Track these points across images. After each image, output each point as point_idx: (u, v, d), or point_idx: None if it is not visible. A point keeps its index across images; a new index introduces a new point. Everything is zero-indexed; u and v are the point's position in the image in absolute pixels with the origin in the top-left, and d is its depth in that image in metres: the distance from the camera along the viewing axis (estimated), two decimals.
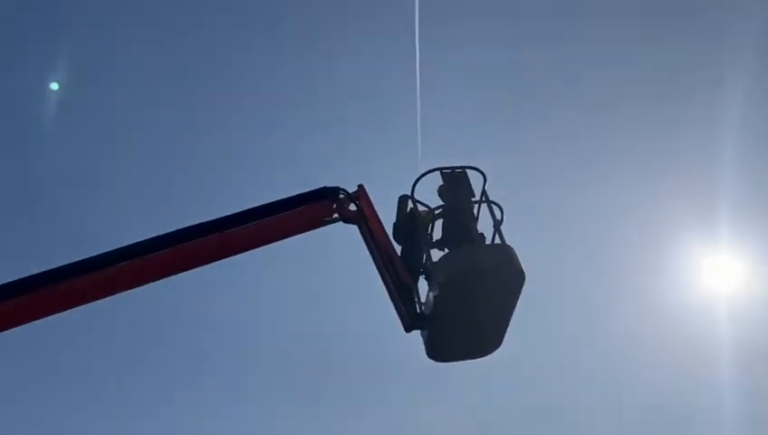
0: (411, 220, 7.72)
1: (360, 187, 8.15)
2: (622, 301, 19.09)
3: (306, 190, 8.02)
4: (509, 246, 7.34)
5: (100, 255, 7.26)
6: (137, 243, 7.40)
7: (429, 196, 8.05)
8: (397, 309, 7.63)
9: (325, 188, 8.04)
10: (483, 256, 7.18)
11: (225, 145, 19.26)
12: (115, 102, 18.16)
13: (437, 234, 7.83)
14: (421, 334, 7.70)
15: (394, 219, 8.04)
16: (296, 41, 18.67)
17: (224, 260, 7.86)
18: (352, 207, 8.07)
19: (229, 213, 7.74)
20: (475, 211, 7.69)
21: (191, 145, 19.15)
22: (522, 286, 7.25)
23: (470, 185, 7.67)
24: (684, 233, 18.86)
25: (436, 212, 7.81)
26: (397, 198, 7.98)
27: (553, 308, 18.64)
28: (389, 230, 8.03)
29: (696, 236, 18.88)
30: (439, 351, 7.73)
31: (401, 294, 7.56)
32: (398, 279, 7.61)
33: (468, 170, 7.84)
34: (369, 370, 18.77)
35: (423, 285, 7.65)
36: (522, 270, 7.15)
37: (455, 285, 7.07)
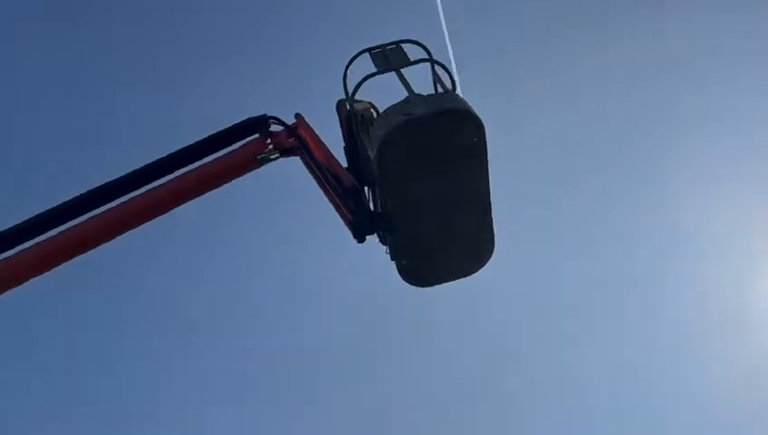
0: (349, 120, 6.26)
1: (298, 116, 6.84)
2: None
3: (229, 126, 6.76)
4: (456, 94, 5.76)
5: None
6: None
7: None
8: (345, 221, 6.05)
9: (249, 119, 6.75)
10: (420, 106, 5.56)
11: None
12: None
13: None
14: (387, 252, 6.05)
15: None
16: None
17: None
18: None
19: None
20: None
21: None
22: (483, 142, 5.56)
23: (408, 58, 6.18)
24: None
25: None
26: None
27: None
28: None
29: None
30: (413, 266, 5.99)
31: (346, 203, 6.01)
32: (341, 187, 6.09)
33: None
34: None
35: None
36: (474, 114, 5.50)
37: (395, 152, 5.46)
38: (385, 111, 5.70)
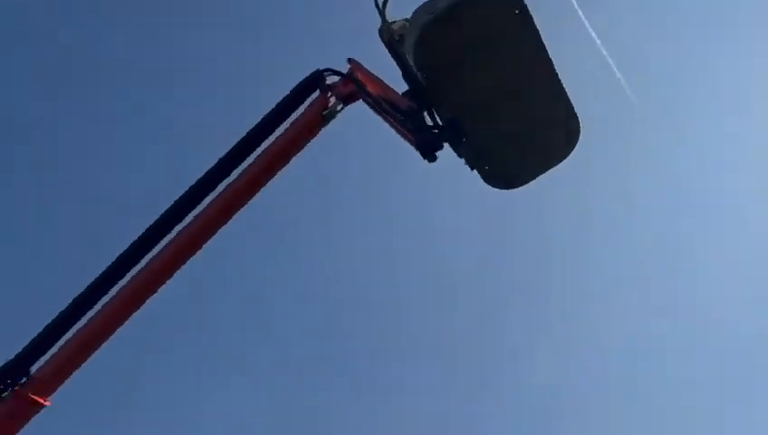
0: (392, 43, 5.92)
1: (352, 60, 6.59)
2: None
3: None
4: None
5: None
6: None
7: None
8: (412, 143, 5.72)
9: (305, 79, 6.55)
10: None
11: None
12: None
13: None
14: (466, 163, 5.66)
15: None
16: None
17: None
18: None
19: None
20: None
21: None
22: (526, 12, 5.03)
23: None
24: None
25: None
26: None
27: None
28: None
29: None
30: (497, 168, 5.58)
31: (406, 126, 5.66)
32: (399, 112, 5.76)
33: None
34: None
35: None
36: None
37: (431, 54, 5.10)
38: (412, 16, 5.34)
